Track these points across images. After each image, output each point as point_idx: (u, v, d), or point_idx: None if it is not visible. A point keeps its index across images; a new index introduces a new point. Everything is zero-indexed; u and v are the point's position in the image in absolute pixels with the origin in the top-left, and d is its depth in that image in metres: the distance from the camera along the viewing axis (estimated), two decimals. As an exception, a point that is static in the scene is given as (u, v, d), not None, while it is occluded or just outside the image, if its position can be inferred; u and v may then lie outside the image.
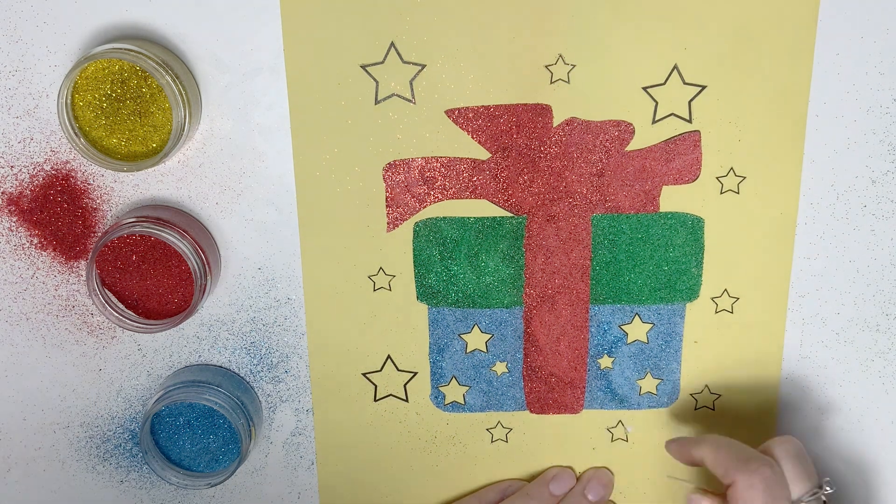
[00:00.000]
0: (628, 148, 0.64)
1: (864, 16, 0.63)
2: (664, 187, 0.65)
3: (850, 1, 0.62)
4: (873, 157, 0.66)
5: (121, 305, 0.65)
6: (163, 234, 0.62)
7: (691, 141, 0.64)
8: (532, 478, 0.73)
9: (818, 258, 0.67)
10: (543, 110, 0.63)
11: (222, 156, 0.65)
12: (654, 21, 0.62)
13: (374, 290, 0.67)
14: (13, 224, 0.66)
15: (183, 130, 0.60)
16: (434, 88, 0.63)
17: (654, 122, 0.64)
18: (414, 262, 0.67)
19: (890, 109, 0.65)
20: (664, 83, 0.63)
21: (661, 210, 0.66)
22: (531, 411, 0.71)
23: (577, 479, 0.73)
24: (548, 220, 0.66)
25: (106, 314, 0.64)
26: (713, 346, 0.69)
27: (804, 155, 0.65)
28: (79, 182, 0.65)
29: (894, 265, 0.68)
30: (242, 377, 0.69)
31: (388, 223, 0.66)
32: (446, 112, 0.63)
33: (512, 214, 0.66)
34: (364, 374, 0.69)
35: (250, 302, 0.68)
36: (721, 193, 0.65)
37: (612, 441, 0.72)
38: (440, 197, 0.65)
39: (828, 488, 0.62)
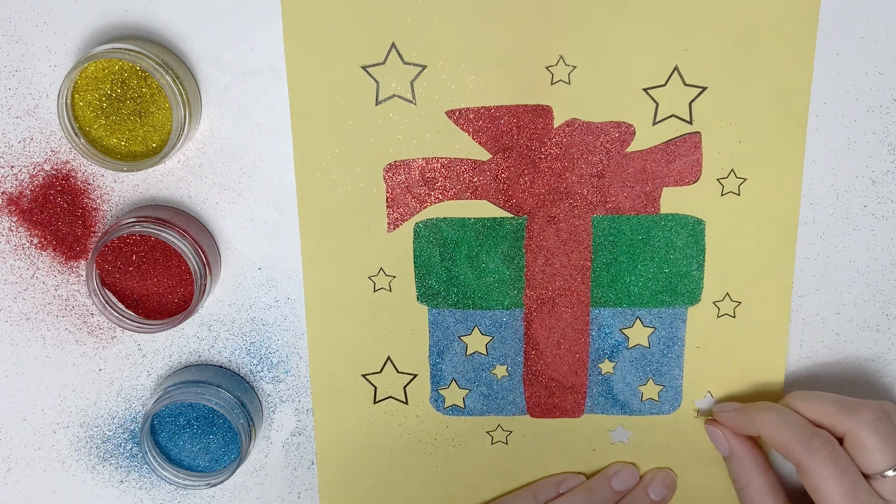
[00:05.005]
0: (629, 149, 0.64)
1: (864, 16, 0.63)
2: (665, 189, 0.65)
3: (850, 1, 0.62)
4: (873, 157, 0.66)
5: (121, 305, 0.65)
6: (163, 234, 0.62)
7: (692, 142, 0.64)
8: (533, 480, 0.73)
9: (818, 258, 0.67)
10: (544, 111, 0.63)
11: (222, 156, 0.64)
12: (655, 22, 0.62)
13: (375, 291, 0.67)
14: (13, 224, 0.65)
15: (183, 130, 0.60)
16: (435, 89, 0.63)
17: (654, 123, 0.64)
18: (414, 262, 0.67)
19: (890, 109, 0.65)
20: (665, 84, 0.63)
21: (661, 212, 0.66)
22: (531, 416, 0.71)
23: (640, 477, 0.72)
24: (548, 221, 0.66)
25: (106, 314, 0.64)
26: (715, 351, 0.69)
27: (805, 156, 0.65)
28: (79, 182, 0.65)
29: (894, 265, 0.68)
30: (242, 377, 0.69)
31: (388, 224, 0.66)
32: (447, 113, 0.63)
33: (512, 215, 0.66)
34: (364, 376, 0.69)
35: (250, 302, 0.68)
36: (722, 195, 0.65)
37: (611, 444, 0.72)
38: (440, 198, 0.65)
39: None
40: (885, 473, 0.61)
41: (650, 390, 0.70)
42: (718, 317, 0.68)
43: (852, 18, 0.63)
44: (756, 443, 0.68)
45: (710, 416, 0.70)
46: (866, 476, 0.62)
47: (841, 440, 0.63)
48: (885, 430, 0.62)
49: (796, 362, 0.70)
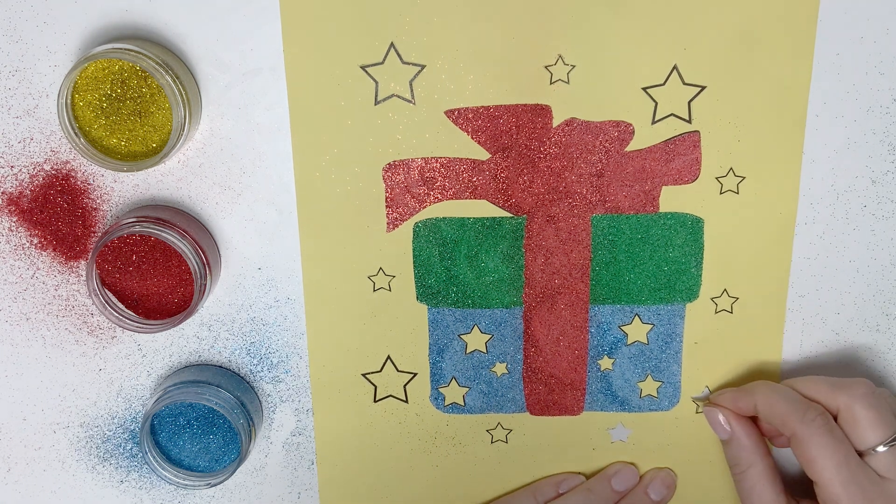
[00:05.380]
0: (628, 148, 0.64)
1: (864, 16, 0.63)
2: (664, 187, 0.65)
3: (850, 1, 0.62)
4: (873, 157, 0.66)
5: (121, 305, 0.65)
6: (163, 234, 0.62)
7: (691, 141, 0.64)
8: (533, 480, 0.73)
9: (818, 258, 0.67)
10: (543, 111, 0.63)
11: (222, 156, 0.65)
12: (654, 21, 0.62)
13: (374, 291, 0.67)
14: (13, 224, 0.66)
15: (183, 130, 0.60)
16: (434, 89, 0.63)
17: (653, 122, 0.64)
18: (414, 262, 0.67)
19: (890, 109, 0.65)
20: (664, 83, 0.63)
21: (660, 210, 0.66)
22: (531, 413, 0.71)
23: (640, 477, 0.72)
24: (547, 220, 0.66)
25: (106, 314, 0.64)
26: (713, 346, 0.69)
27: (804, 155, 0.65)
28: (79, 182, 0.65)
29: (894, 265, 0.68)
30: (242, 377, 0.69)
31: (387, 223, 0.66)
32: (446, 112, 0.63)
33: (512, 215, 0.66)
34: (364, 375, 0.69)
35: (250, 302, 0.68)
36: (721, 193, 0.65)
37: (611, 442, 0.72)
38: (440, 197, 0.65)
39: None
40: (877, 449, 0.62)
41: (649, 386, 0.70)
42: (716, 313, 0.68)
43: (852, 18, 0.63)
44: (756, 426, 0.68)
45: (707, 403, 0.70)
46: (860, 453, 0.62)
47: (835, 417, 0.64)
48: (877, 403, 0.62)
49: (796, 362, 0.70)
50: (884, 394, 0.64)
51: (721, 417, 0.68)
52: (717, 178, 0.65)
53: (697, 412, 0.71)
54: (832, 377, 0.66)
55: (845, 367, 0.70)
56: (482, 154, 0.64)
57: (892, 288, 0.68)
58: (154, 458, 0.68)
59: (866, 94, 0.64)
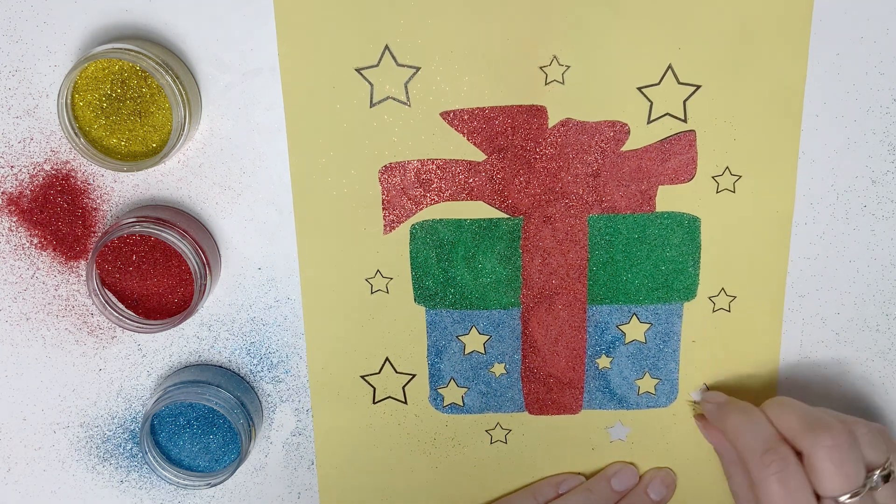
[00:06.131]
0: (624, 148, 0.64)
1: (863, 16, 0.63)
2: (660, 187, 0.65)
3: (849, 1, 0.62)
4: (873, 157, 0.65)
5: (121, 305, 0.65)
6: (163, 234, 0.62)
7: (686, 140, 0.64)
8: (533, 480, 0.73)
9: (818, 258, 0.67)
10: (538, 111, 0.63)
11: (222, 156, 0.65)
12: (649, 21, 0.62)
13: (372, 293, 0.67)
14: (13, 224, 0.66)
15: (183, 130, 0.60)
16: (429, 91, 0.63)
17: (649, 122, 0.64)
18: (411, 264, 0.67)
19: (890, 109, 0.64)
20: (659, 83, 0.63)
21: (657, 210, 0.66)
22: (530, 412, 0.71)
23: (640, 477, 0.72)
24: (544, 221, 0.66)
25: (106, 314, 0.64)
26: (711, 345, 0.69)
27: (804, 154, 0.65)
28: (79, 182, 0.65)
29: (894, 265, 0.67)
30: (242, 377, 0.70)
31: (384, 225, 0.66)
32: (441, 114, 0.63)
33: (508, 216, 0.66)
34: (363, 377, 0.70)
35: (250, 302, 0.68)
36: (717, 192, 0.65)
37: (610, 441, 0.72)
38: (436, 199, 0.65)
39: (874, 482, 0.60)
40: (840, 499, 0.59)
41: (647, 384, 0.70)
42: (714, 311, 0.68)
43: (852, 18, 0.63)
44: None
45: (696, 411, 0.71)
46: (821, 497, 0.60)
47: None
48: (840, 457, 0.59)
49: (796, 362, 0.69)
50: (861, 439, 0.61)
51: (703, 429, 0.69)
52: (713, 178, 0.65)
53: (693, 406, 0.71)
54: (814, 412, 0.63)
55: (845, 367, 0.70)
56: (478, 155, 0.64)
57: (892, 288, 0.68)
58: (154, 458, 0.68)
59: (866, 94, 0.64)
